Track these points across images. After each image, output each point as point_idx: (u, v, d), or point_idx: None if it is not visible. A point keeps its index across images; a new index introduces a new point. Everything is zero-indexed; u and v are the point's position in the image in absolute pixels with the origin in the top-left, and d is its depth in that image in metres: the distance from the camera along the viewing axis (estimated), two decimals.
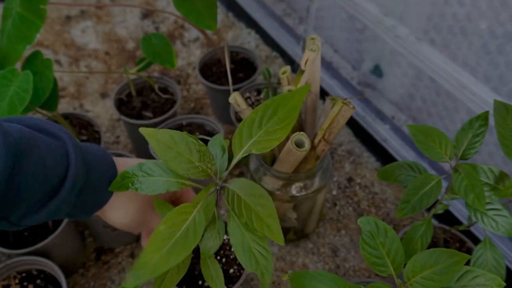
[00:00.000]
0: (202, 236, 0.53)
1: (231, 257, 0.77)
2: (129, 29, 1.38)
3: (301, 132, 0.72)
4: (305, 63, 0.74)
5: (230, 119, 1.09)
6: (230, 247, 0.78)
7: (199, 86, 1.22)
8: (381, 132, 1.04)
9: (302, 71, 0.75)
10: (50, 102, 0.78)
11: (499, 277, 0.52)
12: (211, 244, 0.55)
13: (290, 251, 0.92)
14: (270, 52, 1.31)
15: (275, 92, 0.94)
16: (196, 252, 0.74)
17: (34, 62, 0.77)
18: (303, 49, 1.21)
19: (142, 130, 0.51)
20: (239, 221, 0.50)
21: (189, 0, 0.85)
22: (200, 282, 0.72)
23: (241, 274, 0.74)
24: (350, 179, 1.03)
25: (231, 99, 0.77)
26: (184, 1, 0.85)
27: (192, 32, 1.37)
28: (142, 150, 1.03)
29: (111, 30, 1.37)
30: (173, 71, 1.25)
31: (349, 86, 1.16)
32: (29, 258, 0.75)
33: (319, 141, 0.75)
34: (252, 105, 1.01)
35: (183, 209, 0.48)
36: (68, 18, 1.40)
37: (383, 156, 1.05)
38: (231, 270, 0.75)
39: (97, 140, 0.94)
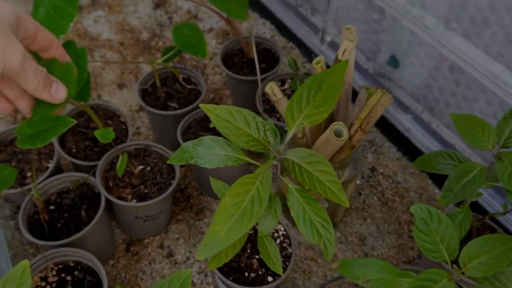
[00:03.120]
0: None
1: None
2: (142, 19, 1.36)
3: (340, 122, 0.73)
4: (343, 53, 0.75)
5: (251, 109, 1.08)
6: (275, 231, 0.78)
7: (216, 76, 1.22)
8: (403, 122, 1.05)
9: (339, 61, 0.76)
10: (84, 93, 0.77)
11: None
12: (268, 223, 0.57)
13: None
14: (286, 43, 1.31)
15: (302, 82, 0.95)
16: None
17: (67, 52, 0.76)
18: (322, 40, 1.21)
19: (202, 106, 0.53)
20: (301, 190, 0.54)
21: None
22: (246, 274, 0.73)
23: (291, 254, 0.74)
24: (373, 169, 1.04)
25: (267, 89, 0.77)
26: None
27: (206, 22, 1.36)
28: (165, 140, 1.03)
29: (124, 20, 1.36)
30: (190, 61, 1.24)
31: (368, 77, 1.17)
32: (66, 249, 0.75)
33: (356, 131, 0.76)
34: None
35: (245, 180, 0.51)
36: (79, 7, 1.38)
37: (405, 146, 1.07)
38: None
39: (124, 131, 0.93)
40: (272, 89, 0.77)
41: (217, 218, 0.48)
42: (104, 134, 0.76)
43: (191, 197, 0.98)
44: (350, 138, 0.77)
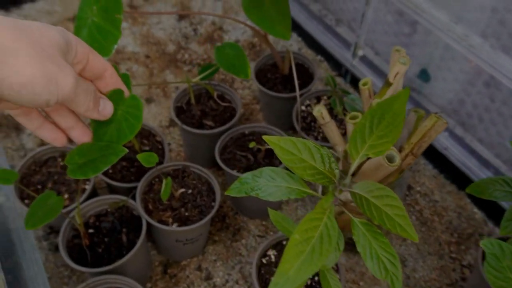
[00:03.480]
0: None
1: None
2: (167, 31, 1.34)
3: (392, 147, 0.71)
4: (395, 76, 0.73)
5: (285, 126, 1.07)
6: None
7: (245, 90, 1.20)
8: (441, 139, 1.04)
9: (390, 84, 0.74)
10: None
11: None
12: (331, 257, 0.55)
13: (358, 262, 0.91)
14: (315, 56, 1.29)
15: (341, 101, 0.93)
16: None
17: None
18: (354, 55, 1.19)
19: (265, 138, 0.52)
20: (366, 223, 0.52)
21: (261, 6, 0.82)
22: None
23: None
24: (409, 187, 1.02)
25: (316, 112, 0.75)
26: (255, 8, 0.82)
27: (232, 34, 1.34)
28: (198, 158, 1.01)
29: (148, 32, 1.34)
30: (217, 76, 1.23)
31: None
32: (109, 276, 0.73)
33: (406, 155, 0.74)
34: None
35: (313, 216, 0.50)
36: None
37: (441, 163, 1.05)
38: None
39: (161, 151, 0.92)
40: (321, 112, 0.75)
41: (286, 256, 0.47)
42: (147, 158, 0.74)
43: (226, 216, 0.96)
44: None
